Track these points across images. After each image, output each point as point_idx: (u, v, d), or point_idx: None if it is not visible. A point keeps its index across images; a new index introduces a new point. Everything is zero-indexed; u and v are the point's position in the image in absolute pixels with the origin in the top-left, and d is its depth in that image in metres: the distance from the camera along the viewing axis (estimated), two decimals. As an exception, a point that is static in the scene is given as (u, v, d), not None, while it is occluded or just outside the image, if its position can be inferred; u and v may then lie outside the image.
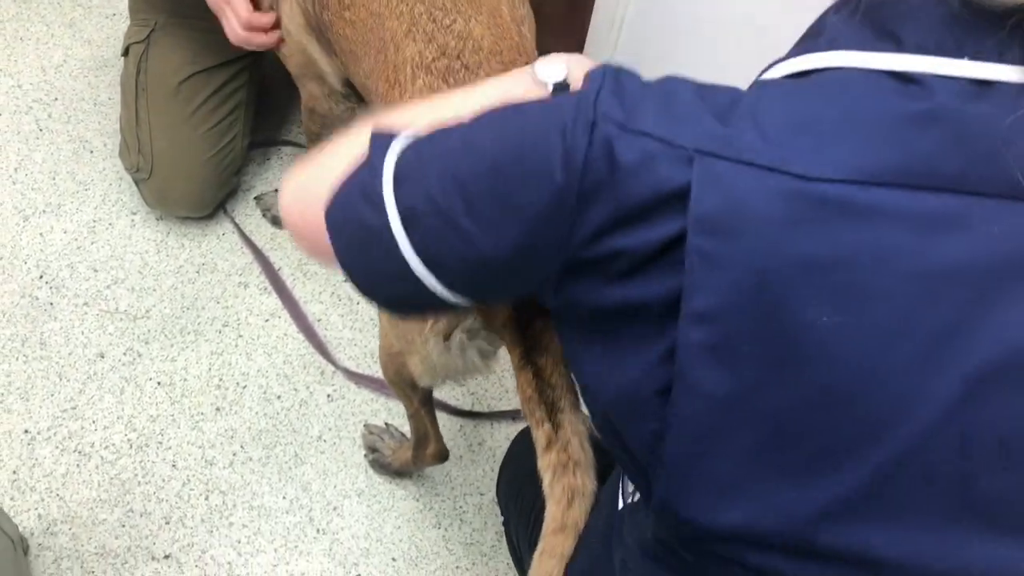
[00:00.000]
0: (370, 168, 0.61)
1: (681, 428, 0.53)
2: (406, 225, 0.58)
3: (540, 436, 0.95)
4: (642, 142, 0.52)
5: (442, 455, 1.38)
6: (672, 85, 0.56)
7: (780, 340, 0.50)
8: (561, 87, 0.73)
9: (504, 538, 1.45)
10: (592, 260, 0.54)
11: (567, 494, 0.93)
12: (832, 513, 0.51)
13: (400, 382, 1.19)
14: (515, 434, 1.56)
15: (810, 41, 0.60)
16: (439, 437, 1.35)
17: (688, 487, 0.55)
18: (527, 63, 1.10)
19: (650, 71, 1.56)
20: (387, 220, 0.58)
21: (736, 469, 0.53)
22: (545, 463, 0.94)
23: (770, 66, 0.63)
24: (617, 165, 0.52)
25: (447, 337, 0.97)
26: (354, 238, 0.62)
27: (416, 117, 0.67)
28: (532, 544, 1.12)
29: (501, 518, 1.41)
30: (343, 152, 0.66)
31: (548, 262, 0.56)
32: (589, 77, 0.56)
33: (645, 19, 1.59)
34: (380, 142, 0.62)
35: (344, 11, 1.16)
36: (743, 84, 1.43)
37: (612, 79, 0.55)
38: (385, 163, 0.60)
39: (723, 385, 0.51)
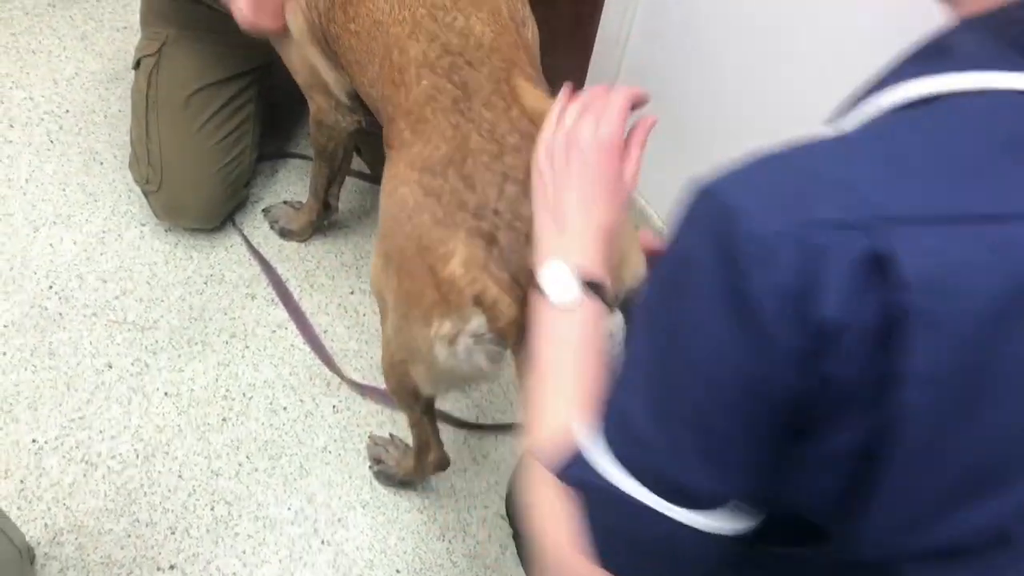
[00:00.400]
0: (602, 491, 0.58)
1: (892, 481, 0.51)
2: (672, 499, 0.56)
3: None
4: (816, 236, 0.48)
5: (443, 463, 1.38)
6: (794, 162, 0.53)
7: (992, 381, 0.48)
8: (592, 285, 0.75)
9: (513, 551, 1.46)
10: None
11: None
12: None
13: (403, 392, 1.20)
14: (519, 446, 1.57)
15: (935, 61, 0.56)
16: (440, 445, 1.36)
17: (887, 524, 0.54)
18: (527, 58, 1.10)
19: (655, 87, 1.57)
20: (662, 514, 0.56)
21: (935, 499, 0.53)
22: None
23: (874, 90, 0.59)
24: (820, 303, 0.48)
25: (452, 342, 0.97)
26: (636, 552, 0.60)
27: (546, 419, 0.68)
28: None
29: (511, 531, 1.42)
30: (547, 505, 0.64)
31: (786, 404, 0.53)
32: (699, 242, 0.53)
33: (650, 36, 1.60)
34: (578, 466, 0.60)
35: (349, 23, 1.18)
36: (751, 98, 1.44)
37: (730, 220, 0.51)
38: (610, 476, 0.58)
39: (938, 433, 0.50)
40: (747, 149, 1.25)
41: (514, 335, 0.93)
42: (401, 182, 1.00)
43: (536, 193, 0.84)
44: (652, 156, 1.76)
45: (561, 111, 0.86)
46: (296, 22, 1.30)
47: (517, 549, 1.39)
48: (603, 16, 1.68)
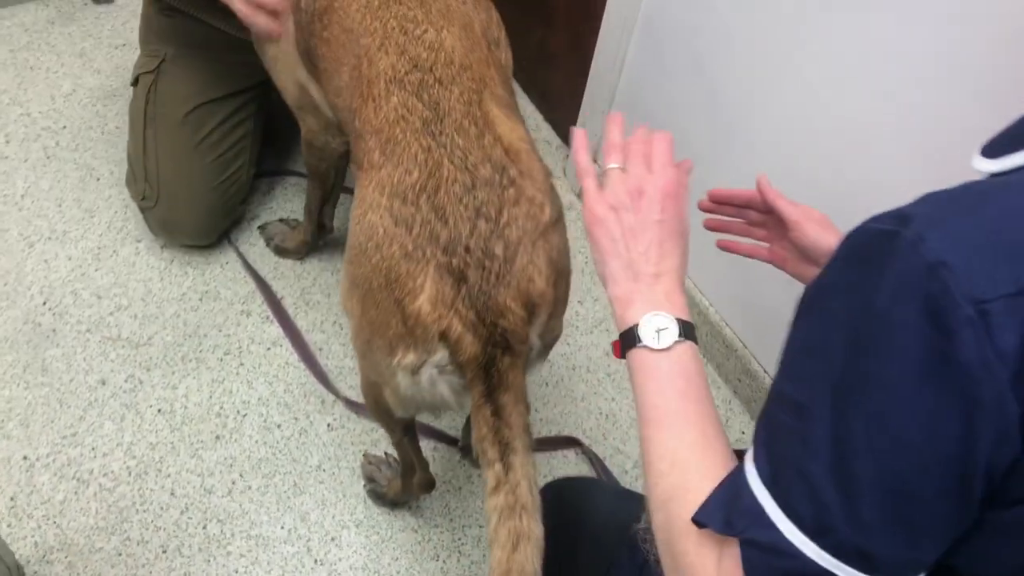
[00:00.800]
0: (776, 554, 0.57)
1: None
2: (854, 564, 0.55)
3: (490, 477, 0.95)
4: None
5: (428, 484, 1.37)
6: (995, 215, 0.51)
7: None
8: (684, 327, 0.75)
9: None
10: None
11: (512, 538, 0.93)
12: None
13: (379, 411, 1.19)
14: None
15: None
16: (424, 466, 1.35)
17: None
18: (499, 78, 1.08)
19: (652, 106, 1.59)
20: None
21: None
22: (492, 505, 0.94)
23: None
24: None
25: (416, 372, 0.97)
26: None
27: (687, 476, 0.67)
28: None
29: None
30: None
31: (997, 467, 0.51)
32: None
33: (647, 55, 1.61)
34: (749, 523, 0.58)
35: (323, 31, 1.18)
36: (748, 115, 1.44)
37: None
38: (790, 537, 0.56)
39: None
40: (743, 167, 1.26)
41: (473, 370, 0.94)
42: (370, 207, 0.98)
43: (602, 245, 0.82)
44: None
45: (606, 162, 0.86)
46: (286, 43, 1.31)
47: None
48: (600, 35, 1.69)
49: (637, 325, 0.76)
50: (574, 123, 1.89)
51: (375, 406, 1.19)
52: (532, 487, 0.96)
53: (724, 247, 1.08)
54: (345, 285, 1.05)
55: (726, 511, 0.61)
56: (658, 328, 0.75)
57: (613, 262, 0.81)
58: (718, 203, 1.04)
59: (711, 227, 1.07)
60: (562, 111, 1.98)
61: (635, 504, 1.22)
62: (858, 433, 0.53)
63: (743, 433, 1.66)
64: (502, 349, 0.95)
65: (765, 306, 1.54)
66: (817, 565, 0.55)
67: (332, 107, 1.22)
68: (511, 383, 0.96)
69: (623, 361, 0.78)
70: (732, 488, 0.62)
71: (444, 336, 0.93)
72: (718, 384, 1.71)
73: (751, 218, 1.03)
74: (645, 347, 0.75)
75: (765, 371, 1.60)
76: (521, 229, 0.95)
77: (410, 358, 0.96)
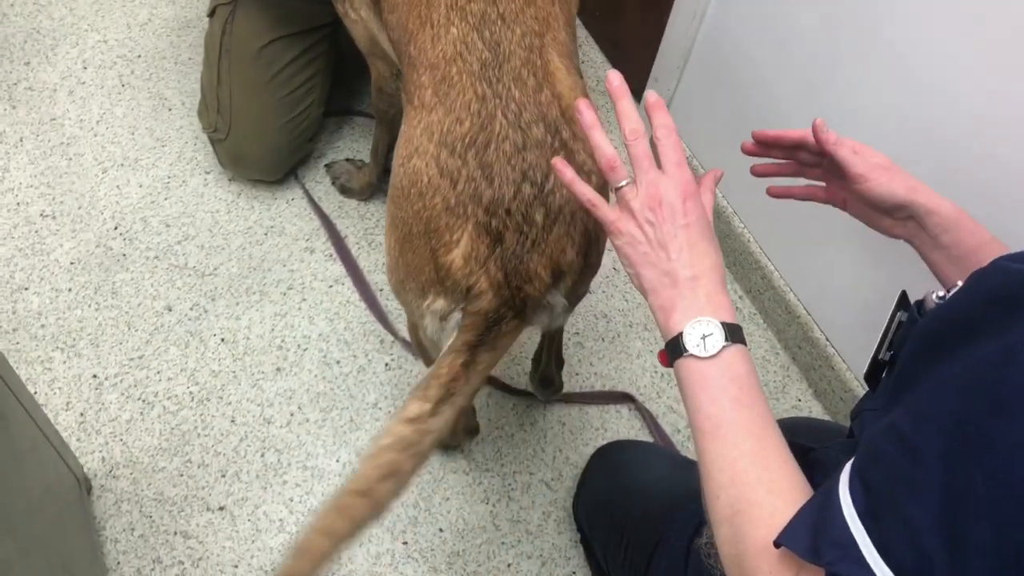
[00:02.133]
0: None
1: None
2: None
3: (413, 407, 0.91)
4: None
5: (471, 430, 1.38)
6: None
7: None
8: (730, 330, 0.72)
9: (556, 519, 1.46)
10: None
11: (389, 468, 0.88)
12: None
13: (420, 348, 1.20)
14: (567, 417, 1.58)
15: None
16: (471, 411, 1.35)
17: None
18: (564, 17, 1.04)
19: (732, 61, 1.53)
20: None
21: None
22: (396, 430, 0.90)
23: None
24: None
25: (443, 318, 0.98)
26: None
27: (755, 494, 0.66)
28: (628, 571, 1.12)
29: (578, 536, 1.43)
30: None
31: None
32: None
33: (730, 6, 1.57)
34: (838, 556, 0.56)
35: None
36: (839, 78, 1.37)
37: None
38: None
39: None
40: (831, 129, 1.20)
41: (473, 320, 0.94)
42: (416, 151, 0.96)
43: (634, 259, 0.80)
44: (727, 142, 1.71)
45: (613, 181, 0.81)
46: None
47: (586, 553, 1.41)
48: (680, -12, 1.65)
49: (681, 333, 0.74)
50: (646, 76, 1.85)
51: (417, 344, 1.21)
52: (436, 440, 0.93)
53: (775, 194, 1.03)
54: (386, 222, 1.06)
55: (812, 537, 0.58)
56: (703, 335, 0.73)
57: (648, 272, 0.79)
58: (765, 146, 0.98)
59: (759, 173, 1.01)
60: (634, 63, 1.94)
61: (691, 476, 1.22)
62: (979, 493, 0.50)
63: (799, 400, 1.64)
64: (514, 312, 0.95)
65: (830, 272, 1.52)
66: None
67: (384, 24, 1.17)
68: (499, 346, 0.96)
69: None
70: (821, 513, 0.59)
71: (469, 290, 0.94)
72: (777, 350, 1.70)
73: (803, 159, 0.97)
74: (692, 356, 0.73)
75: (827, 339, 1.58)
76: (564, 198, 0.95)
77: (440, 304, 0.97)
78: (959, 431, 0.52)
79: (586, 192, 0.83)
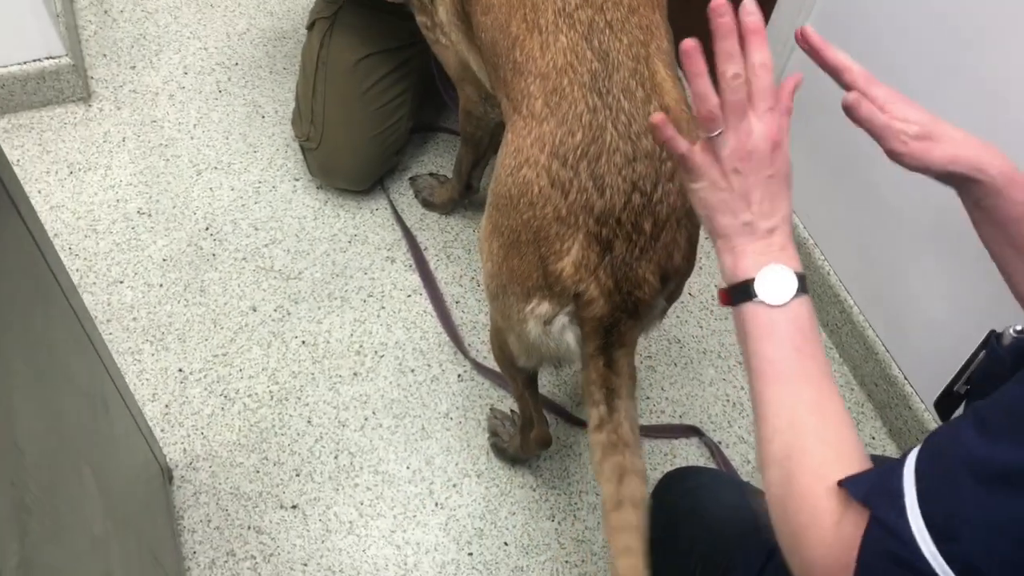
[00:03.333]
0: (894, 538, 0.58)
1: None
2: None
3: (593, 415, 1.01)
4: None
5: (545, 440, 1.39)
6: None
7: None
8: (800, 280, 0.72)
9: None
10: None
11: (617, 472, 1.00)
12: None
13: (503, 359, 1.23)
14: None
15: None
16: (543, 422, 1.37)
17: None
18: (663, 24, 1.04)
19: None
20: None
21: None
22: (595, 440, 1.01)
23: None
24: None
25: (547, 322, 1.01)
26: None
27: (812, 440, 0.68)
28: None
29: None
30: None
31: None
32: None
33: (836, 8, 1.52)
34: (883, 502, 0.60)
35: None
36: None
37: None
38: (914, 530, 0.58)
39: None
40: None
41: (593, 327, 0.98)
42: (527, 162, 0.98)
43: (712, 202, 0.77)
44: (824, 160, 1.66)
45: (707, 129, 0.77)
46: (444, 12, 1.32)
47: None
48: (775, 12, 1.64)
49: (752, 280, 0.73)
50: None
51: (500, 353, 1.23)
52: (633, 427, 1.02)
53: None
54: (487, 228, 1.07)
55: (871, 485, 0.61)
56: (776, 283, 0.73)
57: (724, 219, 0.77)
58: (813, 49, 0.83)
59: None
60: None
61: (760, 505, 1.21)
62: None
63: (872, 439, 1.62)
64: (628, 314, 0.98)
65: (913, 309, 1.50)
66: (927, 563, 0.56)
67: (476, 27, 1.17)
68: (627, 342, 1.00)
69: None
70: (886, 471, 0.62)
71: (577, 296, 0.97)
72: (852, 386, 1.68)
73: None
74: (761, 302, 0.72)
75: (905, 377, 1.56)
76: (671, 207, 0.96)
77: (544, 308, 1.00)
78: None
79: (680, 146, 0.78)
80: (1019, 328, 0.70)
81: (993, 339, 0.74)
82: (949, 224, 1.36)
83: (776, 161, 0.76)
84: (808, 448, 0.68)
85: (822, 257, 1.69)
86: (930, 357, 1.50)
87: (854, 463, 0.65)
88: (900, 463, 0.62)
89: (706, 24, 0.72)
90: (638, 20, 1.01)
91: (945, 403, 0.78)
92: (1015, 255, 0.78)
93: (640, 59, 0.99)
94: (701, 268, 1.80)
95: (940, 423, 0.77)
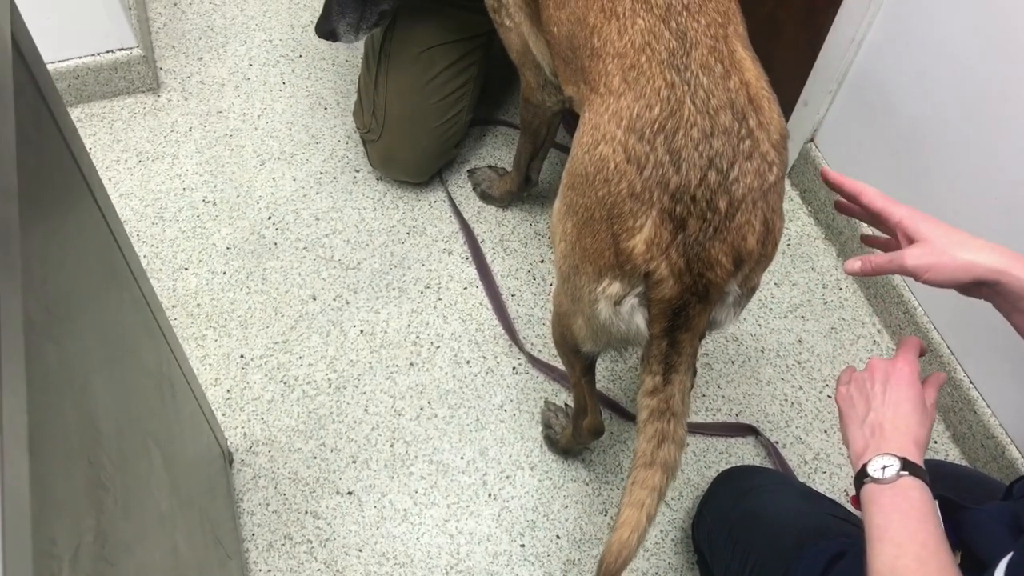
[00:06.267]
0: None
1: None
2: None
3: (648, 382, 1.03)
4: None
5: (597, 428, 1.39)
6: None
7: None
8: (909, 465, 0.82)
9: (673, 538, 1.46)
10: None
11: (658, 435, 1.03)
12: None
13: (565, 345, 1.23)
14: (691, 438, 1.57)
15: None
16: (597, 411, 1.36)
17: None
18: (739, 12, 1.06)
19: (886, 99, 1.51)
20: None
21: None
22: (644, 403, 1.03)
23: None
24: None
25: (618, 302, 1.01)
26: None
27: None
28: None
29: (695, 555, 1.42)
30: None
31: None
32: None
33: (888, 43, 1.54)
34: None
35: None
36: (994, 115, 1.27)
37: None
38: None
39: None
40: (991, 166, 1.16)
41: (661, 309, 0.98)
42: (603, 138, 0.98)
43: (845, 413, 0.94)
44: (874, 171, 1.66)
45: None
46: None
47: (701, 572, 1.40)
48: (840, 10, 1.62)
49: (866, 465, 0.85)
50: (795, 101, 1.83)
51: (562, 340, 1.23)
52: (684, 399, 1.04)
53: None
54: (560, 208, 1.07)
55: None
56: (884, 465, 0.83)
57: (853, 425, 0.91)
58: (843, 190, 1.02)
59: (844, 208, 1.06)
60: (784, 87, 1.91)
61: (821, 507, 1.20)
62: None
63: (935, 443, 1.58)
64: (699, 298, 0.97)
65: (981, 311, 1.46)
66: None
67: (548, 21, 1.19)
68: (694, 326, 1.00)
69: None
70: None
71: (648, 275, 0.96)
72: (914, 388, 1.64)
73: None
74: (872, 480, 0.83)
75: (970, 381, 1.52)
76: (747, 187, 0.95)
77: (615, 287, 1.00)
78: None
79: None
80: None
81: None
82: (1012, 220, 1.33)
83: (914, 389, 0.91)
84: None
85: (886, 256, 1.66)
86: (997, 362, 1.46)
87: None
88: None
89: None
90: (715, 5, 1.02)
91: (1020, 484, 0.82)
92: None
93: (719, 38, 1.00)
94: (760, 265, 1.78)
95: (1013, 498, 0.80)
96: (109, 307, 0.87)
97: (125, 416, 0.83)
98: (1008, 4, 1.26)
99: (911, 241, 0.91)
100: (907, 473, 0.82)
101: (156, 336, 1.06)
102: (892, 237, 0.97)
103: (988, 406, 1.50)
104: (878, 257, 0.95)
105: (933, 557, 0.75)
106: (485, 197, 1.86)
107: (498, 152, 1.95)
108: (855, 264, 0.96)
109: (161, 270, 1.71)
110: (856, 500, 0.86)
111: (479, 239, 1.80)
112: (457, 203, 1.84)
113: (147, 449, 0.89)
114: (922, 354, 0.96)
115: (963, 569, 0.82)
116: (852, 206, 1.01)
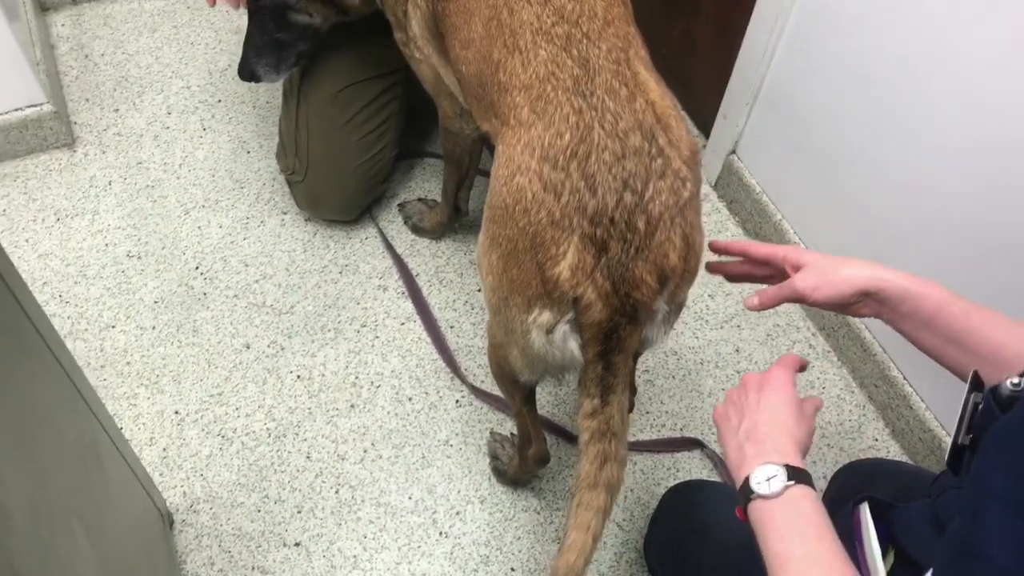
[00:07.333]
0: None
1: None
2: None
3: (586, 405, 1.03)
4: None
5: (543, 457, 1.39)
6: None
7: None
8: (794, 472, 0.80)
9: (628, 559, 1.45)
10: None
11: (600, 456, 1.03)
12: None
13: (503, 376, 1.23)
14: (638, 456, 1.57)
15: None
16: (541, 439, 1.36)
17: None
18: (639, 36, 1.08)
19: (797, 105, 1.55)
20: None
21: None
22: (585, 426, 1.03)
23: None
24: None
25: (549, 331, 1.01)
26: None
27: None
28: None
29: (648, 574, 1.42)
30: None
31: None
32: None
33: (797, 52, 1.57)
34: None
35: None
36: (897, 126, 1.37)
37: None
38: None
39: None
40: (896, 173, 1.20)
41: (593, 334, 0.99)
42: (518, 169, 0.99)
43: (724, 433, 0.93)
44: (795, 180, 1.70)
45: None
46: (416, 25, 1.33)
47: None
48: (750, 25, 1.65)
49: (748, 477, 0.82)
50: (714, 114, 1.86)
51: (499, 371, 1.22)
52: (623, 418, 1.05)
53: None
54: (484, 243, 1.08)
55: None
56: (769, 476, 0.81)
57: (728, 436, 0.91)
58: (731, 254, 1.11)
59: (715, 270, 1.18)
60: (703, 101, 1.95)
61: None
62: None
63: (875, 440, 1.61)
64: (628, 318, 0.98)
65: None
66: None
67: (456, 60, 1.21)
68: (627, 346, 1.01)
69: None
70: None
71: (576, 301, 0.97)
72: (852, 389, 1.67)
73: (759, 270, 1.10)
74: (759, 497, 0.80)
75: (904, 377, 1.55)
76: (663, 204, 0.97)
77: (546, 316, 1.00)
78: None
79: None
80: (1015, 381, 0.71)
81: (989, 393, 0.74)
82: (937, 227, 1.36)
83: (789, 393, 0.91)
84: None
85: (814, 261, 1.68)
86: (927, 357, 1.48)
87: None
88: None
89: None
90: (614, 31, 1.04)
91: (955, 459, 0.80)
92: (944, 343, 0.90)
93: (621, 62, 1.01)
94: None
95: (955, 476, 0.78)
96: (19, 383, 0.84)
97: (42, 495, 0.80)
98: (905, 13, 1.29)
99: (798, 271, 0.97)
100: (793, 482, 0.80)
101: (77, 404, 1.02)
102: (781, 279, 1.02)
103: (923, 400, 1.52)
104: (771, 288, 1.01)
105: None
106: (417, 230, 1.85)
107: (427, 184, 1.94)
108: (753, 300, 1.02)
109: (87, 330, 1.66)
110: (742, 512, 0.84)
111: (414, 272, 1.79)
112: (389, 238, 1.83)
113: (69, 527, 0.85)
114: (801, 369, 0.98)
115: (896, 569, 0.83)
116: (738, 269, 1.11)
